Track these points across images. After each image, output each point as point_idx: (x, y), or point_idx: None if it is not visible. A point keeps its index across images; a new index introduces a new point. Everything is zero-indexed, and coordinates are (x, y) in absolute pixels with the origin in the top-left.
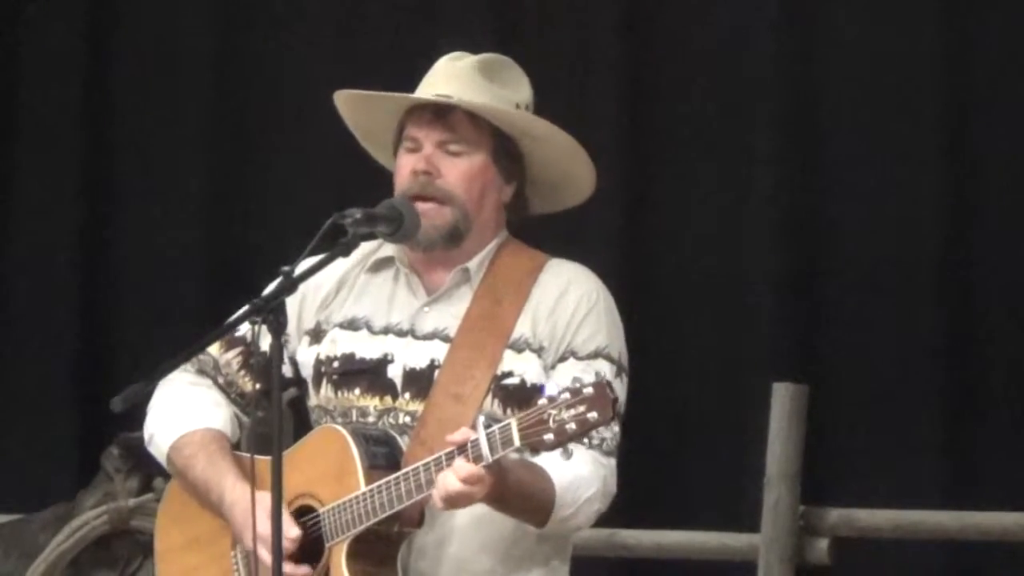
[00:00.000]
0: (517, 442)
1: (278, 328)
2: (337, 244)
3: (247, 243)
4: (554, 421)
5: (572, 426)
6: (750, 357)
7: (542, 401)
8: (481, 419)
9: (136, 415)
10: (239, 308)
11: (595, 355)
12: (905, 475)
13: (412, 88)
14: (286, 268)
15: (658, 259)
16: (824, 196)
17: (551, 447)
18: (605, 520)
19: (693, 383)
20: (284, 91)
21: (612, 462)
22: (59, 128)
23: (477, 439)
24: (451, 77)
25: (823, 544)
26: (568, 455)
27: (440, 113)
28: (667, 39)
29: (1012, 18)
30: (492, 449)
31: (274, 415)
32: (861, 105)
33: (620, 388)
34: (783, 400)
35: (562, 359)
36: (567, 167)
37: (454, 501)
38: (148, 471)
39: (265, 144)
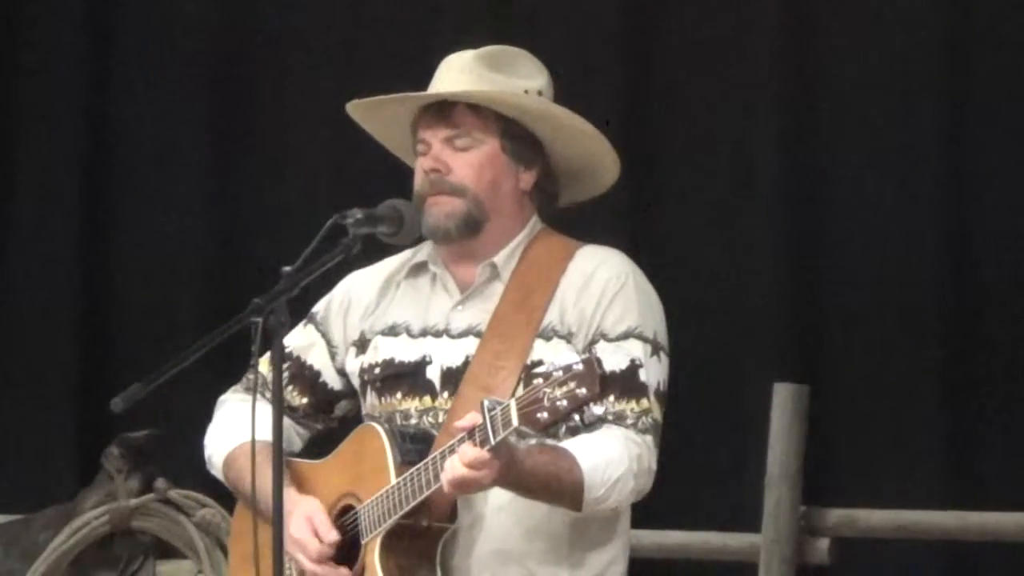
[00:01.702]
0: (515, 422)
1: (278, 329)
2: (338, 245)
3: (248, 243)
4: (548, 399)
5: (564, 403)
6: (750, 357)
7: (537, 381)
8: (486, 403)
9: (136, 415)
10: (239, 309)
11: (626, 336)
12: (905, 475)
13: (410, 88)
14: (287, 269)
15: (659, 259)
16: (825, 196)
17: (546, 425)
18: None
19: (693, 383)
20: (286, 90)
21: (648, 439)
22: (59, 128)
23: (483, 423)
24: (452, 73)
25: (824, 544)
26: (592, 430)
27: (443, 110)
28: (669, 37)
29: (1013, 18)
30: (495, 431)
31: (276, 414)
32: (863, 106)
33: (657, 367)
34: (783, 400)
35: (593, 342)
36: (583, 148)
37: (460, 486)
38: (148, 472)
39: (266, 144)
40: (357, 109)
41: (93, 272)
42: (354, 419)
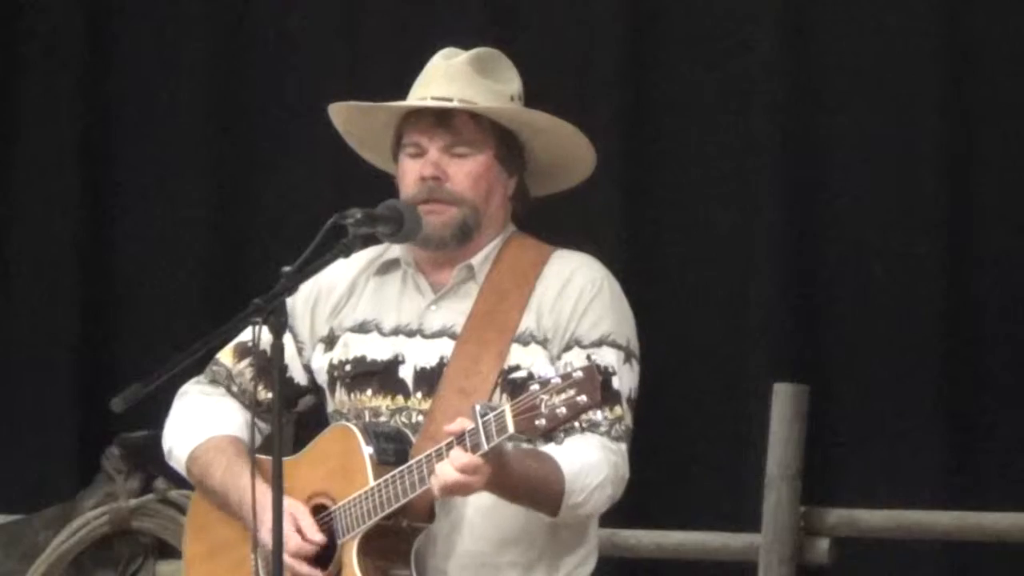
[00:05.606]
0: (511, 429)
1: (279, 329)
2: (337, 245)
3: (248, 244)
4: (546, 406)
5: (563, 410)
6: (750, 357)
7: (534, 387)
8: (478, 408)
9: (136, 415)
10: (239, 309)
11: (600, 343)
12: (905, 475)
13: (406, 88)
14: (286, 269)
15: (658, 259)
16: (825, 196)
17: (543, 432)
18: (605, 520)
19: (694, 383)
20: (285, 91)
21: (622, 447)
22: (59, 128)
23: (475, 428)
24: (448, 77)
25: (823, 544)
26: (559, 442)
27: (442, 116)
28: (669, 34)
29: (1014, 19)
30: (488, 437)
31: (275, 416)
32: (864, 105)
33: (629, 374)
34: (783, 400)
35: (567, 348)
36: (567, 152)
37: (452, 490)
38: (148, 472)
39: (266, 144)
40: (343, 111)
41: (93, 271)
42: (314, 415)
